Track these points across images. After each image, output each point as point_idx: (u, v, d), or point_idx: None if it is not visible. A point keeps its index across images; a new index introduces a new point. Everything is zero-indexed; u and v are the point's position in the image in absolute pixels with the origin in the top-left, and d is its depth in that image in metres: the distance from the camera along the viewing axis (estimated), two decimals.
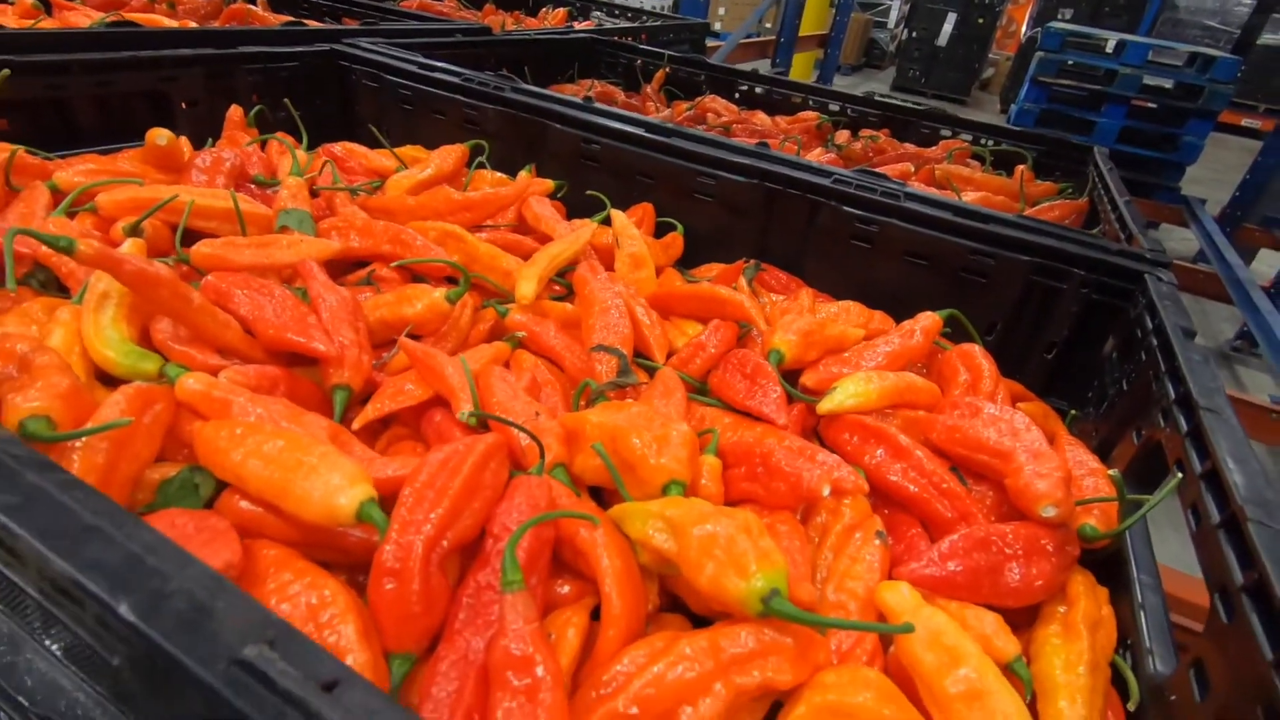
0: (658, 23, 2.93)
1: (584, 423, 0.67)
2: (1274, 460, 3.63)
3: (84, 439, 0.55)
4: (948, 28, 12.76)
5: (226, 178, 1.07)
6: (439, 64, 1.48)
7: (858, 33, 13.58)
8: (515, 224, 1.19)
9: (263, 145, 1.34)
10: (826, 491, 0.62)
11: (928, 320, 0.95)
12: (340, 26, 1.65)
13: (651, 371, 0.87)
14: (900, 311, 1.13)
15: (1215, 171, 8.56)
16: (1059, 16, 11.74)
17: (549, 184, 1.28)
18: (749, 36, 6.59)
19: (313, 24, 1.86)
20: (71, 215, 0.96)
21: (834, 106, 2.09)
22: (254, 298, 0.82)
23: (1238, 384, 4.61)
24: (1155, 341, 0.83)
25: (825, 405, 0.77)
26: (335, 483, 0.54)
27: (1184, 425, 0.65)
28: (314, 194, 1.20)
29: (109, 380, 0.73)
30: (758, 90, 2.20)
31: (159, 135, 1.01)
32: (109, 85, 1.19)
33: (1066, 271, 1.03)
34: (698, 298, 0.96)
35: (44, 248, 0.81)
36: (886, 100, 2.04)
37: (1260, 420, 3.17)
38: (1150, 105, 6.82)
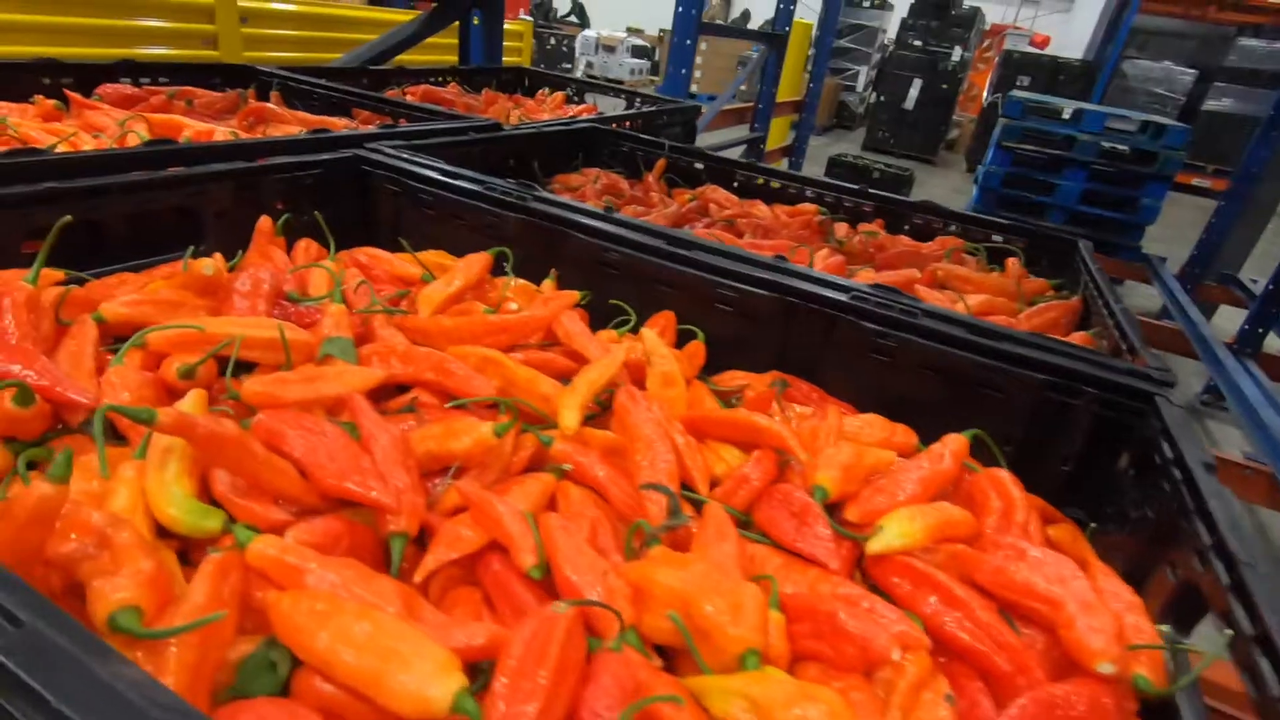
0: (652, 107, 3.05)
1: (652, 583, 0.68)
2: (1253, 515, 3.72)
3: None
4: (914, 92, 13.43)
5: (266, 301, 1.08)
6: (461, 171, 1.53)
7: (828, 96, 14.19)
8: (543, 337, 1.22)
9: (287, 246, 1.37)
10: (896, 656, 0.64)
11: (955, 444, 0.99)
12: (362, 131, 1.71)
13: (696, 504, 0.89)
14: (918, 422, 1.18)
15: (1171, 229, 9.00)
16: (1018, 83, 12.45)
17: (575, 295, 1.32)
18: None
19: (337, 125, 1.92)
20: (109, 350, 0.97)
21: (829, 197, 2.19)
22: (307, 439, 0.83)
23: (1209, 438, 4.75)
24: (1178, 474, 0.87)
25: (874, 547, 0.79)
26: (428, 672, 0.54)
27: (1225, 577, 0.69)
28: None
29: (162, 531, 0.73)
30: (757, 180, 2.30)
31: (205, 266, 1.03)
32: (144, 204, 1.21)
33: (1079, 389, 1.08)
34: (735, 424, 0.99)
35: (92, 398, 0.82)
36: (879, 193, 2.14)
37: (1234, 475, 3.27)
38: (1108, 169, 7.23)
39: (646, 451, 0.89)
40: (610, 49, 16.98)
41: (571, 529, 0.77)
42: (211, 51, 3.82)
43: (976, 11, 13.28)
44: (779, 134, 8.95)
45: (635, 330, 1.32)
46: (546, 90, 3.44)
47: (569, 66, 16.01)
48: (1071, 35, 16.52)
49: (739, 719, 0.57)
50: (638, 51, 17.27)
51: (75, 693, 0.39)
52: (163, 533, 0.74)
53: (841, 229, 1.98)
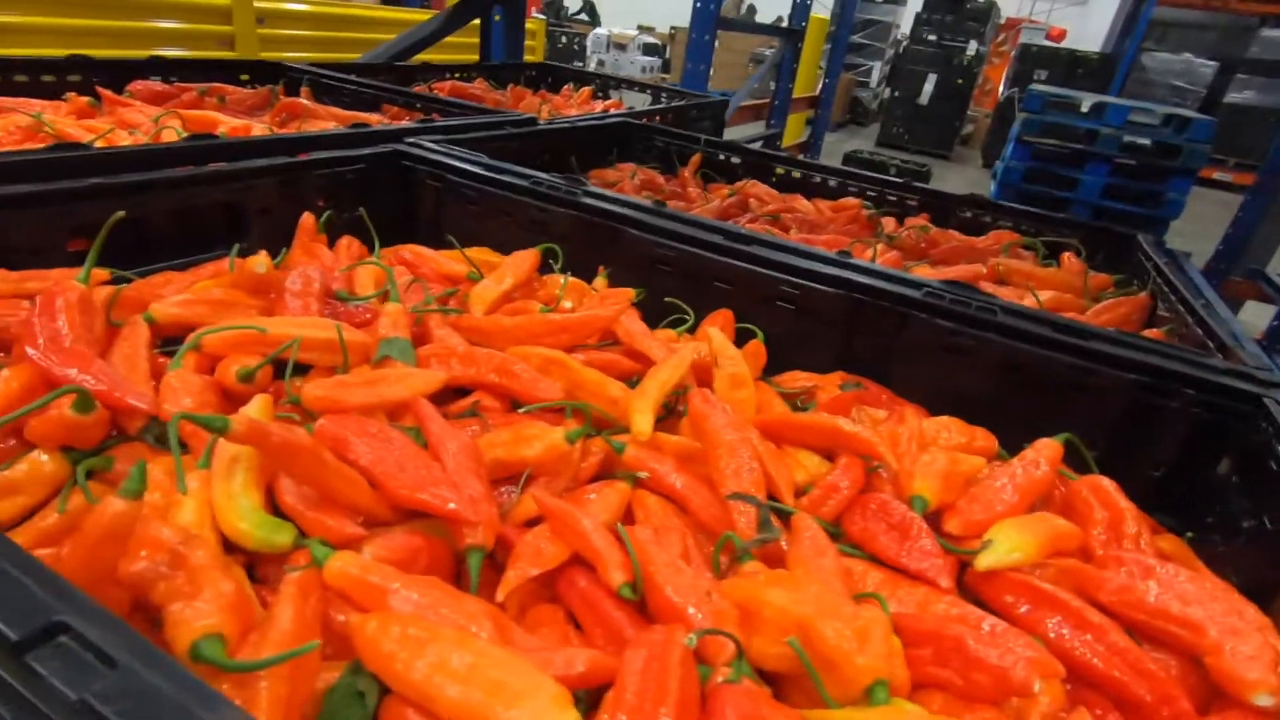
0: (682, 102, 3.00)
1: (761, 604, 0.63)
2: None
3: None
4: (928, 88, 13.29)
5: (317, 300, 1.04)
6: (507, 166, 1.48)
7: (842, 92, 14.08)
8: (601, 338, 1.17)
9: (329, 243, 1.33)
10: (1038, 688, 0.58)
11: (1050, 450, 0.93)
12: (402, 125, 1.66)
13: (783, 515, 0.84)
14: (994, 425, 1.12)
15: (1194, 223, 8.85)
16: (1035, 77, 12.30)
17: (632, 294, 1.26)
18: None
19: (370, 121, 1.88)
20: (162, 352, 0.93)
21: (872, 192, 2.12)
22: (374, 447, 0.78)
23: None
24: None
25: (985, 562, 0.74)
26: (540, 709, 0.49)
27: None
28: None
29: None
30: (795, 174, 2.24)
31: (256, 264, 0.98)
32: (189, 200, 1.17)
33: (1176, 390, 1.02)
34: (816, 429, 0.94)
35: (150, 404, 0.77)
36: (925, 186, 2.08)
37: None
38: (1131, 163, 7.12)
39: (729, 458, 0.84)
40: (621, 47, 16.91)
41: (665, 543, 0.72)
42: (229, 52, 3.79)
43: (992, 5, 13.11)
44: (794, 130, 8.86)
45: (692, 330, 1.27)
46: (571, 86, 3.39)
47: (580, 64, 15.96)
48: (1088, 28, 16.31)
49: None
50: (648, 49, 17.19)
51: None
52: (227, 546, 0.69)
53: (888, 224, 1.92)
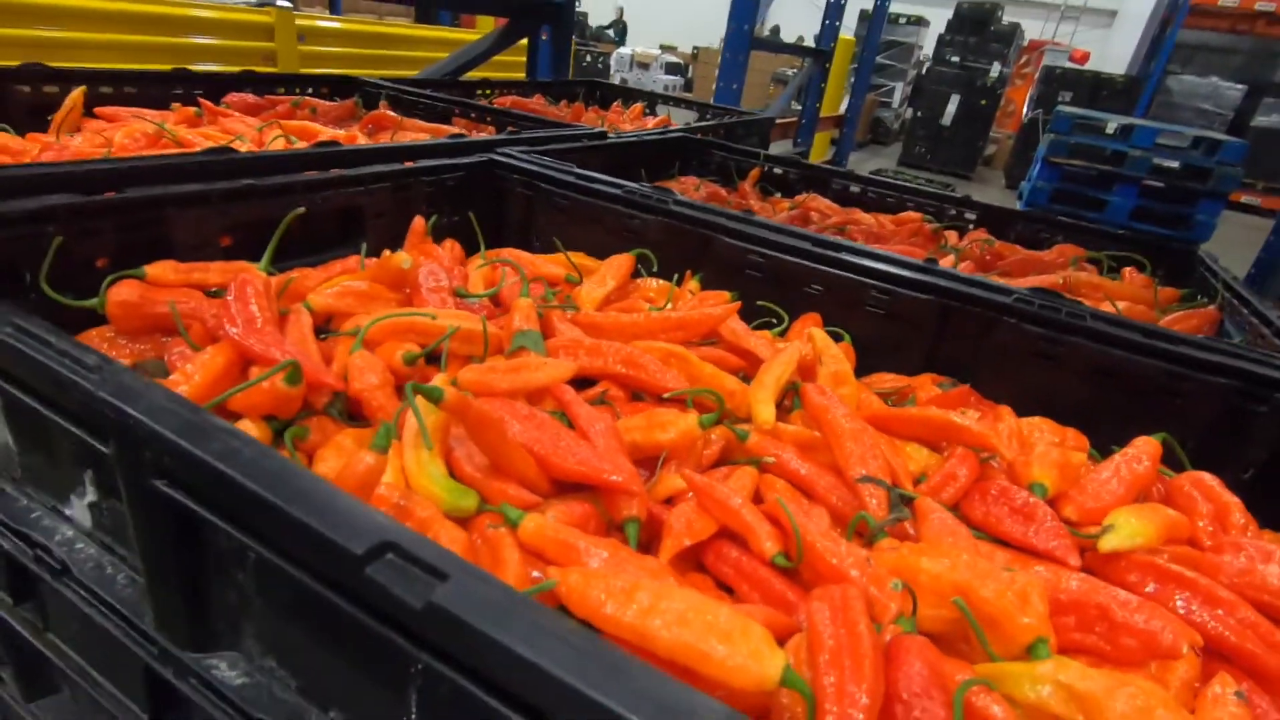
0: (733, 119, 3.09)
1: (916, 570, 0.69)
2: None
3: None
4: (951, 108, 13.37)
5: (449, 294, 1.11)
6: (599, 176, 1.56)
7: (864, 112, 14.19)
8: (705, 337, 1.23)
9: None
10: (1186, 650, 0.63)
11: (1150, 447, 0.98)
12: (494, 137, 1.75)
13: (905, 500, 0.89)
14: (1082, 426, 1.17)
15: (1222, 246, 8.83)
16: (1059, 99, 12.33)
17: (727, 296, 1.33)
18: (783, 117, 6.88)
19: (471, 132, 1.97)
20: (321, 335, 1.01)
21: (931, 206, 2.19)
22: (529, 426, 0.84)
23: None
24: None
25: (1109, 544, 0.79)
26: (754, 648, 0.55)
27: None
28: (495, 301, 1.26)
29: None
30: (853, 189, 2.31)
31: (402, 260, 1.06)
32: (321, 203, 1.25)
33: (1269, 396, 1.07)
34: (928, 423, 0.99)
35: (336, 380, 0.85)
36: (982, 202, 2.14)
37: None
38: (1158, 185, 7.15)
39: (854, 445, 0.90)
40: (645, 66, 17.17)
41: (814, 514, 0.78)
42: (270, 68, 3.92)
43: (1015, 27, 13.21)
44: (820, 149, 8.97)
45: (783, 333, 1.33)
46: (620, 102, 3.49)
47: (600, 80, 16.23)
48: (1111, 50, 16.36)
49: (1052, 705, 0.57)
50: (671, 68, 17.45)
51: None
52: None
53: (951, 237, 1.98)
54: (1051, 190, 7.32)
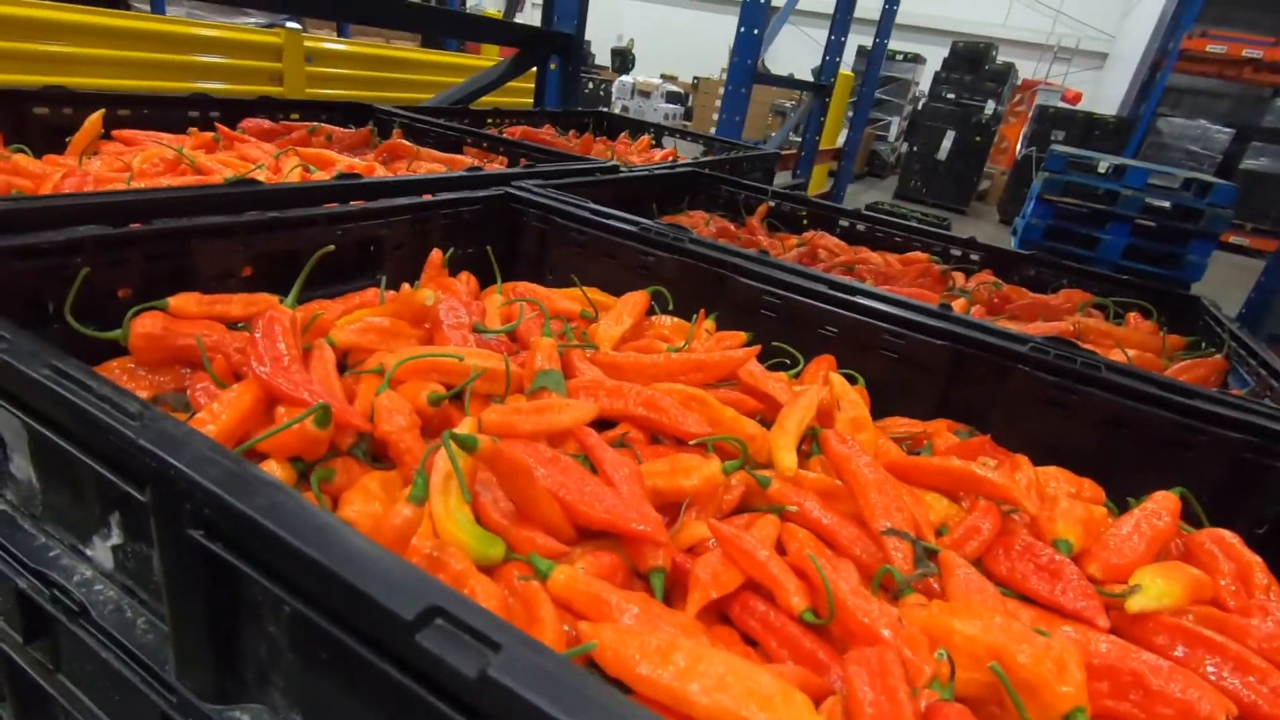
0: (738, 153, 3.13)
1: (949, 631, 0.68)
2: None
3: None
4: (947, 144, 13.61)
5: (470, 331, 1.11)
6: (613, 212, 1.58)
7: (862, 145, 14.44)
8: (722, 380, 1.24)
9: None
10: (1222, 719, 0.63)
11: (1169, 502, 0.98)
12: (510, 170, 1.77)
13: (928, 553, 0.89)
14: (1095, 476, 1.17)
15: (1212, 286, 8.95)
16: (1052, 138, 12.59)
17: (743, 337, 1.34)
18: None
19: (465, 163, 1.99)
20: (343, 370, 1.00)
21: (938, 247, 2.21)
22: (553, 471, 0.84)
23: None
24: None
25: (1138, 604, 0.79)
26: (796, 715, 0.54)
27: None
28: (511, 335, 1.26)
29: None
30: (859, 226, 2.33)
31: (426, 297, 1.06)
32: (343, 235, 1.26)
33: None
34: (947, 473, 0.99)
35: (363, 422, 0.84)
36: (986, 244, 2.17)
37: None
38: (1150, 224, 7.29)
39: (879, 496, 0.90)
40: (645, 94, 17.43)
41: (842, 568, 0.78)
42: (276, 88, 3.95)
43: (1010, 67, 13.52)
44: (818, 181, 9.10)
45: (798, 375, 1.34)
46: (627, 133, 3.54)
47: (605, 110, 16.46)
48: (1103, 92, 16.75)
49: None
50: (671, 97, 17.71)
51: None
52: None
53: (958, 279, 2.00)
54: (1045, 227, 7.46)
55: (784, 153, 7.81)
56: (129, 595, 0.71)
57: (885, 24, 8.60)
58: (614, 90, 16.98)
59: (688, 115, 17.93)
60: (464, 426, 0.84)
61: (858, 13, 7.76)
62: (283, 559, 0.51)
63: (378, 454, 0.86)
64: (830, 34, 7.68)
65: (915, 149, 13.84)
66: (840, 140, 9.65)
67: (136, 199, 1.01)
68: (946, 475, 1.00)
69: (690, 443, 0.99)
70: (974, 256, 2.18)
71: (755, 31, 5.52)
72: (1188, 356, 1.65)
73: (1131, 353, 1.56)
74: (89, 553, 0.72)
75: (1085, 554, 0.88)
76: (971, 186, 13.83)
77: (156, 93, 1.93)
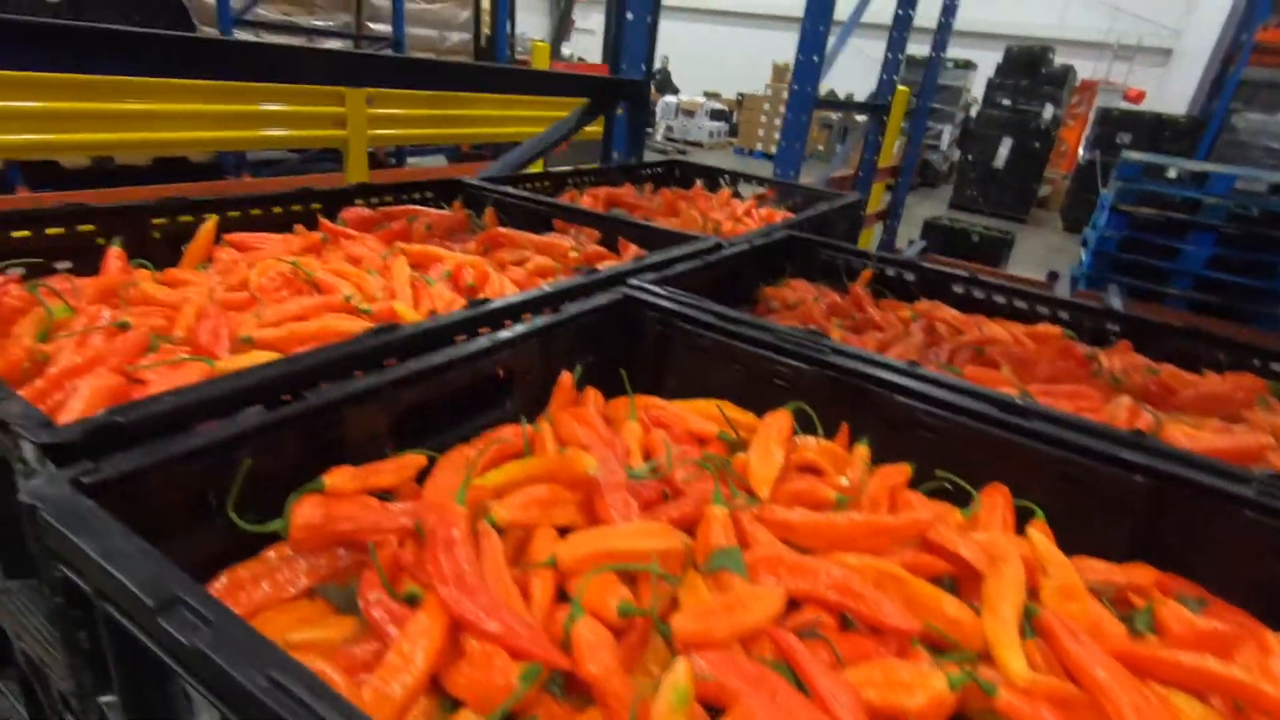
0: (826, 206, 3.00)
1: None
2: None
3: None
4: (1004, 151, 13.18)
5: (627, 494, 1.03)
6: (744, 318, 1.48)
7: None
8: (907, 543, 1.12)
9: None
10: None
11: None
12: (623, 267, 1.69)
13: None
14: None
15: None
16: (1117, 140, 12.03)
17: (908, 471, 1.22)
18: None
19: (562, 247, 1.93)
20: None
21: (1065, 315, 2.05)
22: (765, 705, 0.74)
23: None
24: None
25: None
26: None
27: None
28: (655, 472, 1.17)
29: None
30: (975, 294, 2.19)
31: (589, 466, 0.98)
32: (478, 372, 1.20)
33: None
34: (1202, 675, 0.86)
35: (563, 659, 0.76)
36: (1126, 314, 2.00)
37: None
38: (1237, 233, 6.86)
39: (1134, 714, 0.77)
40: (690, 113, 17.46)
41: None
42: (340, 131, 3.99)
43: (1069, 69, 13.02)
44: (876, 198, 8.87)
45: (972, 514, 1.21)
46: (702, 183, 3.46)
47: (650, 129, 16.51)
48: (1168, 89, 15.96)
49: None
50: (715, 114, 17.70)
51: None
52: None
53: (1103, 359, 1.84)
54: (1120, 239, 7.09)
55: (841, 176, 7.65)
56: None
57: (942, 36, 8.35)
58: (659, 110, 17.04)
59: (733, 132, 17.88)
60: (678, 671, 0.75)
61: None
62: None
63: (568, 684, 0.78)
64: (887, 51, 7.49)
65: (970, 158, 13.45)
66: (899, 156, 9.40)
67: (289, 371, 0.96)
68: (1201, 676, 0.86)
69: (912, 642, 0.88)
70: (1111, 327, 2.01)
71: (815, 59, 5.40)
72: None
73: None
74: None
75: None
76: (1031, 194, 13.34)
77: (264, 193, 1.93)
